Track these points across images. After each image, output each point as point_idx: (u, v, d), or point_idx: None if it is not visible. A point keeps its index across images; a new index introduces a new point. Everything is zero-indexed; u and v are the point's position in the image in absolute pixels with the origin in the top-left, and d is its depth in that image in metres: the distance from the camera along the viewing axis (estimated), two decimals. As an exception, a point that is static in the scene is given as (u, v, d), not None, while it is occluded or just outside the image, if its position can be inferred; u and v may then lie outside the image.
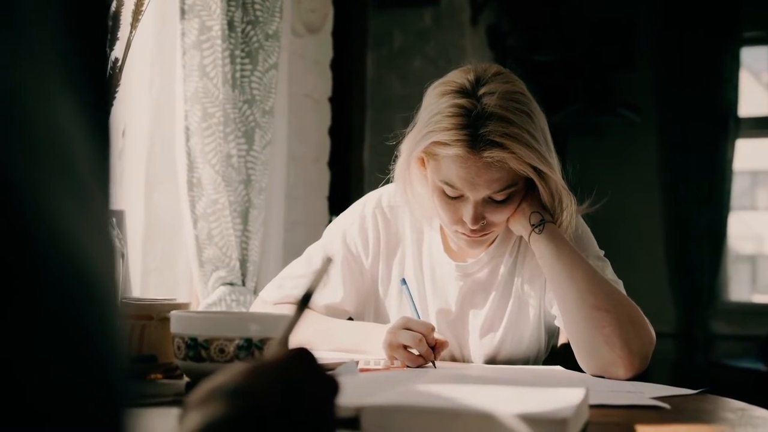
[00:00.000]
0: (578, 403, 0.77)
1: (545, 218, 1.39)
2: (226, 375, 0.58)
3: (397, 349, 1.31)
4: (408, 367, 1.31)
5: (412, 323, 1.32)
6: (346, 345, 1.45)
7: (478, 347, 1.51)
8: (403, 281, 1.49)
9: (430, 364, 1.33)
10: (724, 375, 4.51)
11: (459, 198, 1.37)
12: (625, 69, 5.05)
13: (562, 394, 0.83)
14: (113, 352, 0.32)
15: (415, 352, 1.30)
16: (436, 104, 1.34)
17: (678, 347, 4.94)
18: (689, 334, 4.92)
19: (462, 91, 1.33)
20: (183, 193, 2.12)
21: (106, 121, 0.37)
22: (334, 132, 3.01)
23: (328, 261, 0.69)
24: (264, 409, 0.56)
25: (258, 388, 0.57)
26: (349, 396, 0.79)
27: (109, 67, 0.39)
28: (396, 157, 1.45)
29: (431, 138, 1.33)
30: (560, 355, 1.54)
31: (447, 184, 1.35)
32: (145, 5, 1.36)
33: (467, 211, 1.36)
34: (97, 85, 0.36)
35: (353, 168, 3.90)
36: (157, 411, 0.90)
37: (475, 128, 1.29)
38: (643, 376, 1.32)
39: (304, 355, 0.62)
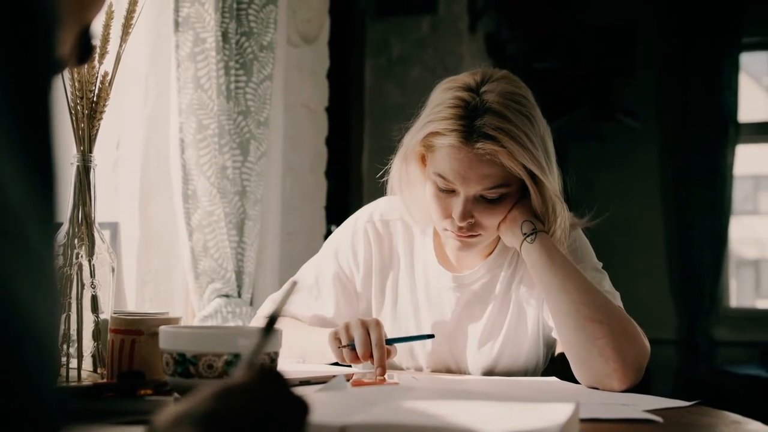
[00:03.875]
0: (565, 420, 0.76)
1: (537, 227, 1.38)
2: (194, 398, 0.58)
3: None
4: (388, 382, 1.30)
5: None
6: (310, 350, 1.44)
7: (476, 359, 1.49)
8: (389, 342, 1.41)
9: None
10: (727, 382, 4.49)
11: (451, 193, 1.37)
12: (625, 75, 5.05)
13: (550, 409, 0.82)
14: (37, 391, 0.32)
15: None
16: (440, 98, 1.37)
17: (680, 355, 4.92)
18: (692, 342, 4.89)
19: (466, 87, 1.35)
20: (178, 205, 2.11)
21: (47, 161, 0.36)
22: (332, 142, 3.00)
23: (293, 285, 0.69)
24: None
25: (227, 412, 0.56)
26: (333, 414, 0.79)
27: (50, 107, 0.39)
28: (396, 150, 1.45)
29: (429, 128, 1.34)
30: (557, 365, 1.52)
31: (440, 176, 1.35)
32: (134, 19, 1.35)
33: (456, 207, 1.36)
34: (35, 127, 0.36)
35: (352, 177, 3.90)
36: (140, 429, 0.89)
37: (471, 120, 1.31)
38: (645, 383, 1.31)
39: (273, 376, 0.61)
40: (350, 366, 1.39)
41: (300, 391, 0.62)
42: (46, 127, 0.37)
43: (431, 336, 1.42)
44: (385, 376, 1.30)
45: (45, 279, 0.36)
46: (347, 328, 1.33)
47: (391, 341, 1.35)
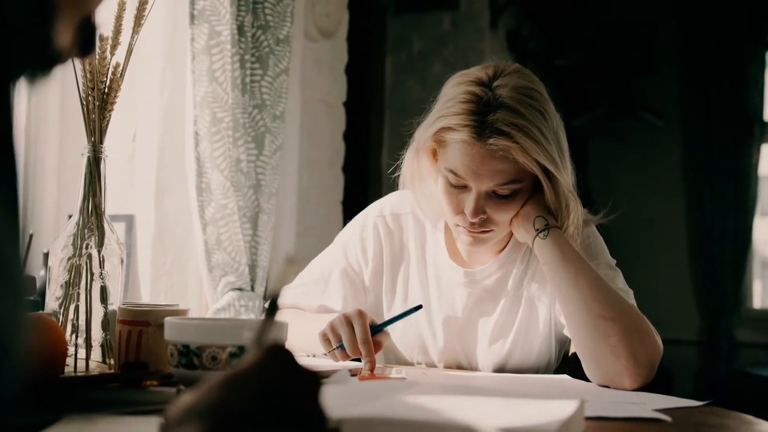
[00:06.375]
0: (567, 416, 0.75)
1: (550, 223, 1.37)
2: (201, 390, 0.57)
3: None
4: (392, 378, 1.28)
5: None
6: (310, 340, 1.43)
7: (487, 355, 1.48)
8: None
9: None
10: (748, 383, 4.43)
11: (463, 189, 1.35)
12: (647, 72, 5.00)
13: (554, 406, 0.81)
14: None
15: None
16: (452, 92, 1.35)
17: (701, 355, 4.87)
18: (713, 342, 4.83)
19: (478, 82, 1.33)
20: (192, 198, 2.11)
21: (8, 163, 0.36)
22: (350, 137, 2.99)
23: (273, 305, 0.68)
24: (243, 422, 0.54)
25: (234, 401, 0.55)
26: (333, 407, 0.78)
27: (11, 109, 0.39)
28: (408, 144, 1.44)
29: (441, 123, 1.33)
30: (570, 364, 1.51)
31: (452, 172, 1.34)
32: (147, 10, 1.35)
33: (468, 203, 1.34)
34: None
35: (370, 173, 3.89)
36: (144, 419, 0.89)
37: (484, 115, 1.29)
38: (665, 384, 1.29)
39: (279, 354, 0.59)
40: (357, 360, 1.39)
41: (310, 364, 0.61)
42: (5, 125, 0.37)
43: (419, 307, 1.39)
44: (393, 371, 1.29)
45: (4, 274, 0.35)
46: (333, 328, 1.32)
47: (379, 327, 1.34)
